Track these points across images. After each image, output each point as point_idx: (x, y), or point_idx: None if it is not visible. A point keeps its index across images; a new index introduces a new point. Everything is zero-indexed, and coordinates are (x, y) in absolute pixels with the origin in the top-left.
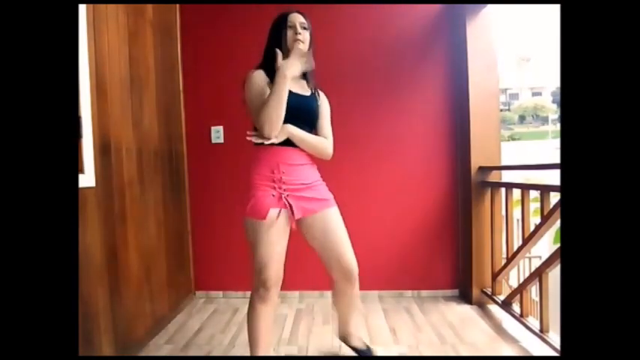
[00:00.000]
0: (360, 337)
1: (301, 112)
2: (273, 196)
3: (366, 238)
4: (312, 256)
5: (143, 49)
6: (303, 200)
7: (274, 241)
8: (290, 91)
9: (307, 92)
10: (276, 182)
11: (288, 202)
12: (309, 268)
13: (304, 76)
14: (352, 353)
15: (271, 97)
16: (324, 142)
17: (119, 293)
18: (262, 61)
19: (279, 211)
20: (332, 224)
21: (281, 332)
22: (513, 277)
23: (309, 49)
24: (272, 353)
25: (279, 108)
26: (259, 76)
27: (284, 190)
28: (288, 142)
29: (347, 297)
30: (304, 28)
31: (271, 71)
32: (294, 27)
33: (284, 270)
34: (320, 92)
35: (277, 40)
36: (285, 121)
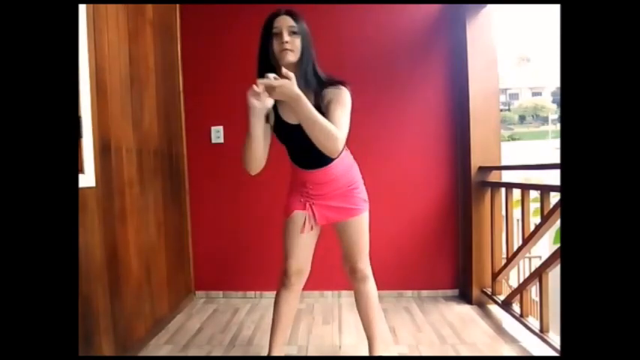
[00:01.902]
0: (379, 348)
1: (297, 143)
2: (300, 201)
3: None
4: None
5: (143, 49)
6: (327, 209)
7: (297, 237)
8: (283, 123)
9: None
10: (303, 192)
11: (312, 210)
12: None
13: (305, 80)
14: (351, 353)
15: (246, 138)
16: (331, 129)
17: (119, 293)
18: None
19: (305, 216)
20: (355, 228)
21: None
22: (513, 277)
23: (300, 60)
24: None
25: (252, 149)
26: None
27: (310, 198)
28: (311, 167)
29: (361, 298)
30: (293, 33)
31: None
32: (279, 34)
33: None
34: (330, 89)
35: (265, 49)
36: (292, 153)
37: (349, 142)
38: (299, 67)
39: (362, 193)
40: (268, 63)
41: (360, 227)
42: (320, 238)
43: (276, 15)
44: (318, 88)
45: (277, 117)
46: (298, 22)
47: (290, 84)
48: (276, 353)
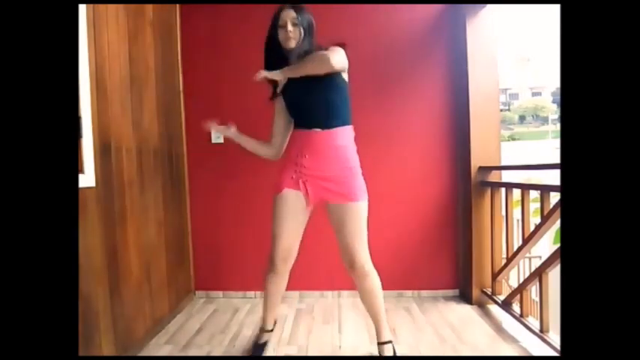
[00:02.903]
0: (384, 349)
1: (304, 98)
2: (292, 178)
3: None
4: (312, 256)
5: (143, 49)
6: (321, 189)
7: (287, 218)
8: (291, 84)
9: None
10: (297, 166)
11: (305, 187)
12: (309, 268)
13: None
14: (351, 353)
15: None
16: (317, 55)
17: (119, 293)
18: (264, 60)
19: (299, 194)
20: (349, 217)
21: (281, 332)
22: (513, 277)
23: (304, 41)
24: (272, 353)
25: (258, 154)
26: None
27: (303, 174)
28: (313, 125)
29: (364, 293)
30: (295, 24)
31: (271, 68)
32: (284, 25)
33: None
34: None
35: (273, 36)
36: (300, 113)
37: None
38: (300, 49)
39: (360, 180)
40: (276, 48)
41: (357, 216)
42: (319, 239)
43: (281, 9)
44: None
45: (286, 85)
46: (300, 14)
47: (271, 73)
48: (268, 324)
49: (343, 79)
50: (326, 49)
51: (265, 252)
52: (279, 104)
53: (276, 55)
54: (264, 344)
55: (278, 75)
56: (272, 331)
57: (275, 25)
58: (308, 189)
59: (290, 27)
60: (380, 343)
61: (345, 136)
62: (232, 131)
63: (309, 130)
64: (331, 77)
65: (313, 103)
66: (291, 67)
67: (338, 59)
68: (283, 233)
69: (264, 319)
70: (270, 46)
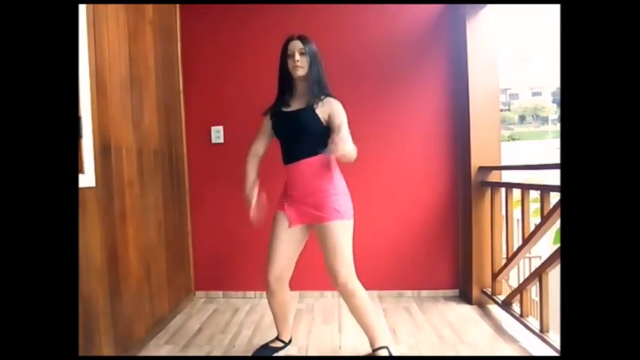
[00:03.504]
0: (376, 352)
1: (288, 130)
2: (282, 203)
3: (367, 238)
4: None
5: (143, 49)
6: (300, 212)
7: (280, 239)
8: (280, 111)
9: (302, 105)
10: (287, 193)
11: (288, 211)
12: (309, 268)
13: (312, 87)
14: (351, 353)
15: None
16: (353, 148)
17: (119, 293)
18: (278, 86)
19: (285, 218)
20: (326, 237)
21: None
22: (513, 277)
23: (308, 72)
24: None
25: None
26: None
27: (289, 200)
28: (289, 159)
29: (350, 310)
30: (302, 54)
31: (281, 96)
32: (292, 55)
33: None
34: (329, 99)
35: (284, 67)
36: (281, 137)
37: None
38: (308, 78)
39: (336, 203)
40: (286, 76)
41: (334, 235)
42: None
43: (289, 40)
44: (318, 93)
45: (277, 112)
46: (306, 45)
47: (344, 148)
48: (283, 335)
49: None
50: (328, 92)
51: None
52: (268, 122)
53: (286, 82)
54: (273, 349)
55: (346, 150)
56: (287, 343)
57: (285, 55)
58: (290, 213)
59: (297, 56)
60: (374, 350)
61: (314, 164)
62: (255, 193)
63: (288, 164)
64: (322, 127)
65: (291, 141)
66: (350, 146)
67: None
68: (276, 255)
69: (278, 330)
70: (282, 74)
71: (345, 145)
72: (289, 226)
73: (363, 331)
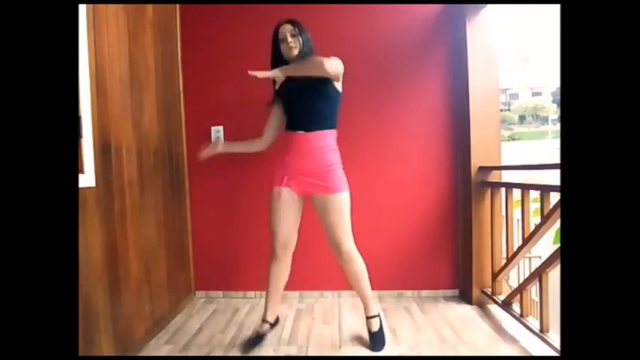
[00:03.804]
0: (372, 322)
1: (297, 100)
2: (280, 176)
3: (367, 238)
4: (312, 256)
5: (143, 49)
6: (304, 183)
7: (281, 211)
8: (291, 82)
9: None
10: (284, 164)
11: (289, 182)
12: (309, 268)
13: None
14: (351, 353)
15: None
16: (315, 58)
17: (119, 293)
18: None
19: (285, 189)
20: (331, 207)
21: (281, 332)
22: (513, 277)
23: (300, 51)
24: (272, 353)
25: (247, 151)
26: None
27: (288, 171)
28: (299, 127)
29: (350, 276)
30: (293, 35)
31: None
32: (285, 39)
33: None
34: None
35: (276, 52)
36: (294, 106)
37: (349, 143)
38: (299, 57)
39: (340, 175)
40: (280, 58)
41: (339, 206)
42: (319, 240)
43: (279, 25)
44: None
45: (286, 85)
46: (296, 26)
47: (272, 72)
48: (269, 315)
49: (336, 90)
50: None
51: (266, 252)
52: (277, 104)
53: (281, 63)
54: (263, 335)
55: (276, 72)
56: (273, 325)
57: (276, 42)
58: (291, 183)
59: (290, 38)
60: (368, 318)
61: (325, 138)
62: (220, 145)
63: (295, 132)
64: (324, 86)
65: (301, 109)
66: (289, 66)
67: (333, 65)
68: (280, 224)
69: (265, 309)
70: (275, 61)
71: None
72: (294, 197)
73: (360, 297)
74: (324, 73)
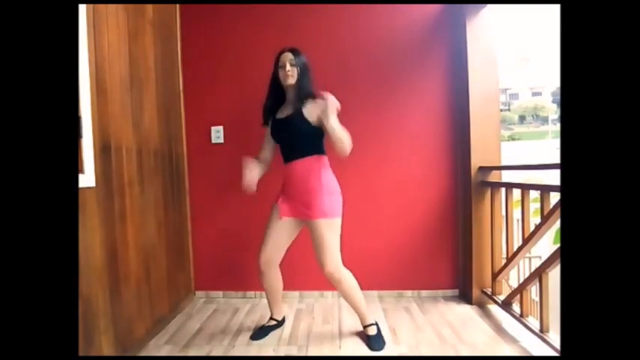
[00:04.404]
0: (369, 329)
1: (284, 134)
2: (279, 197)
3: (367, 238)
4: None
5: (143, 49)
6: (295, 209)
7: (271, 230)
8: (275, 119)
9: (292, 111)
10: (282, 189)
11: (281, 205)
12: (309, 268)
13: (299, 94)
14: (351, 353)
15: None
16: (347, 137)
17: (119, 293)
18: (267, 94)
19: (278, 209)
20: (315, 233)
21: (281, 332)
22: (513, 277)
23: (297, 81)
24: (272, 353)
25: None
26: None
27: (284, 196)
28: (285, 159)
29: (341, 293)
30: (292, 65)
31: (272, 102)
32: (284, 66)
33: (290, 268)
34: (314, 102)
35: (276, 76)
36: (278, 142)
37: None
38: (297, 86)
39: (323, 203)
40: (278, 84)
41: (321, 231)
42: None
43: (281, 52)
44: (304, 98)
45: (273, 120)
46: (297, 56)
47: (333, 121)
48: (275, 314)
49: (322, 130)
50: (319, 96)
51: None
52: (269, 130)
53: (277, 90)
54: (268, 328)
55: (333, 122)
56: (280, 322)
57: (277, 66)
58: (282, 207)
59: (288, 67)
60: (365, 327)
61: (307, 164)
62: (257, 171)
63: (288, 162)
64: (310, 129)
65: (287, 144)
66: (337, 125)
67: (349, 149)
68: (267, 242)
69: (271, 311)
70: (274, 83)
71: (331, 111)
72: (280, 218)
73: (354, 311)
74: (343, 154)
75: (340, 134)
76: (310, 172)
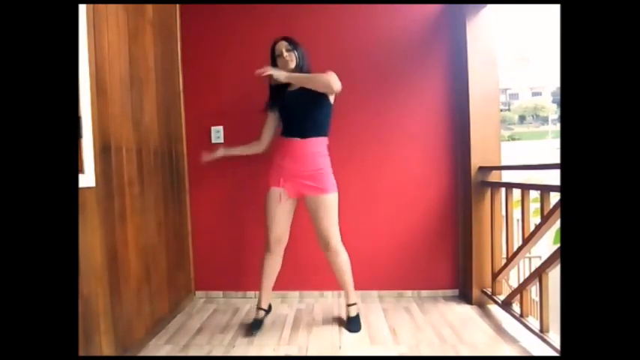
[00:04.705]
0: (351, 309)
1: (295, 109)
2: (275, 177)
3: (367, 238)
4: (312, 257)
5: (143, 49)
6: (298, 185)
7: (275, 210)
8: (289, 91)
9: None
10: (280, 167)
11: (284, 184)
12: (309, 268)
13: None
14: (351, 353)
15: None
16: (322, 75)
17: (119, 293)
18: (269, 92)
19: (280, 192)
20: (322, 206)
21: (281, 332)
22: (513, 277)
23: (297, 64)
24: (272, 353)
25: (246, 153)
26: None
27: (284, 174)
28: (295, 134)
29: (336, 268)
30: (288, 50)
31: (274, 93)
32: (281, 54)
33: (289, 267)
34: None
35: (274, 64)
36: (290, 114)
37: (349, 143)
38: (297, 70)
39: (330, 178)
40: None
41: (329, 205)
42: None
43: (275, 42)
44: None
45: (284, 93)
46: (292, 43)
47: (278, 72)
48: (263, 303)
49: (329, 102)
50: (323, 72)
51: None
52: (272, 111)
53: (278, 85)
54: (261, 320)
55: (281, 73)
56: (267, 311)
57: (273, 55)
58: (286, 185)
59: (285, 53)
60: (348, 305)
61: (318, 144)
62: (220, 151)
63: (291, 138)
64: (320, 98)
65: (299, 118)
66: (296, 74)
67: (337, 85)
68: (274, 222)
69: (259, 299)
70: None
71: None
72: (287, 198)
73: (342, 286)
74: (329, 91)
75: (303, 79)
76: (321, 153)
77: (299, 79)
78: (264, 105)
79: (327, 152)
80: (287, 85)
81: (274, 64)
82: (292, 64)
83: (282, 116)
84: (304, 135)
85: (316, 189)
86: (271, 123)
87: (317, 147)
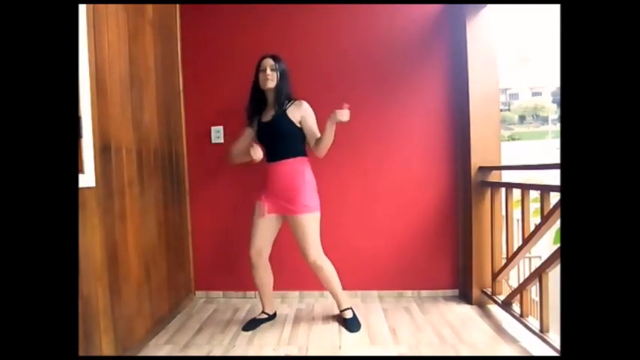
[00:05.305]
0: (345, 313)
1: (268, 137)
2: (262, 194)
3: (367, 238)
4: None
5: (143, 49)
6: (275, 204)
7: (257, 224)
8: (261, 123)
9: (274, 113)
10: (265, 187)
11: (265, 202)
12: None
13: (278, 97)
14: (351, 353)
15: (233, 153)
16: (329, 144)
17: (119, 293)
18: (249, 97)
19: (264, 205)
20: (297, 226)
21: (281, 332)
22: (513, 277)
23: (276, 85)
24: (272, 353)
25: (237, 160)
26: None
27: (267, 194)
28: (270, 159)
29: (321, 280)
30: (273, 70)
31: (254, 104)
32: (264, 70)
33: (287, 267)
34: (295, 103)
35: (257, 79)
36: (264, 143)
37: (349, 143)
38: (276, 89)
39: (306, 199)
40: (258, 88)
41: (305, 225)
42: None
43: (263, 58)
44: (285, 102)
45: (258, 123)
46: (277, 62)
47: (344, 116)
48: (267, 308)
49: (300, 129)
50: (295, 99)
51: None
52: (250, 131)
53: (257, 93)
54: (259, 321)
55: (345, 118)
56: (271, 316)
57: (258, 70)
58: (267, 202)
59: (268, 71)
60: (341, 311)
61: (294, 164)
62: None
63: (269, 162)
64: (293, 130)
65: (274, 144)
66: (331, 136)
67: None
68: (255, 237)
69: (263, 305)
70: (255, 86)
71: (342, 117)
72: (264, 215)
73: (332, 296)
74: (320, 154)
75: (331, 139)
76: (295, 173)
77: (330, 138)
78: (245, 119)
79: (308, 169)
80: (262, 108)
81: (257, 77)
82: (271, 84)
83: (259, 140)
84: (279, 158)
85: (291, 210)
86: (245, 137)
87: (293, 166)
